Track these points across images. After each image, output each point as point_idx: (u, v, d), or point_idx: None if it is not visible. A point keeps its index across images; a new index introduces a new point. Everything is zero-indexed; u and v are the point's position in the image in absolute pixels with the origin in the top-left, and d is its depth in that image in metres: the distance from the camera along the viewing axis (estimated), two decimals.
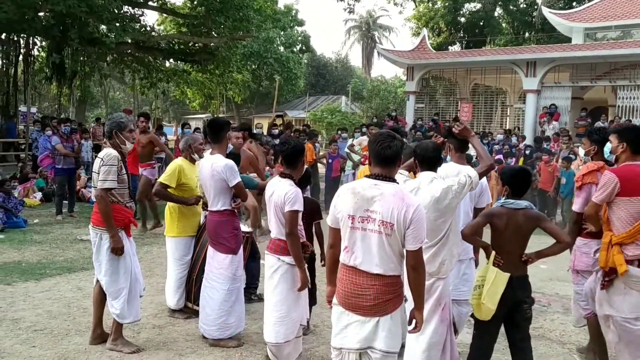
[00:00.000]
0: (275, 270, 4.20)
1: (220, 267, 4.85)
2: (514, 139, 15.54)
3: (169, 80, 22.57)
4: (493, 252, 3.87)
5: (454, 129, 4.34)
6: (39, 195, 12.36)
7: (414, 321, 3.26)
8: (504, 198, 4.00)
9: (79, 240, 8.64)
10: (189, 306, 5.51)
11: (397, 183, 3.21)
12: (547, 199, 12.50)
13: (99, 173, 4.52)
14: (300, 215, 4.15)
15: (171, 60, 22.61)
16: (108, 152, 4.60)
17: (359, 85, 38.95)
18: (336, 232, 3.24)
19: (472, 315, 4.04)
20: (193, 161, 5.60)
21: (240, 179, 4.87)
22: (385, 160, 3.15)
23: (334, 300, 3.28)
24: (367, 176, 3.22)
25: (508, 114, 22.48)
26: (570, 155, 12.18)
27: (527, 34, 32.29)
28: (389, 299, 3.09)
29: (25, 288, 6.17)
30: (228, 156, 5.07)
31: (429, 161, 3.99)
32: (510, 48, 23.18)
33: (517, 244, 3.86)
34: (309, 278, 4.26)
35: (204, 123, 18.60)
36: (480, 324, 3.95)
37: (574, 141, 14.51)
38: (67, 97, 22.50)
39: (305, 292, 4.37)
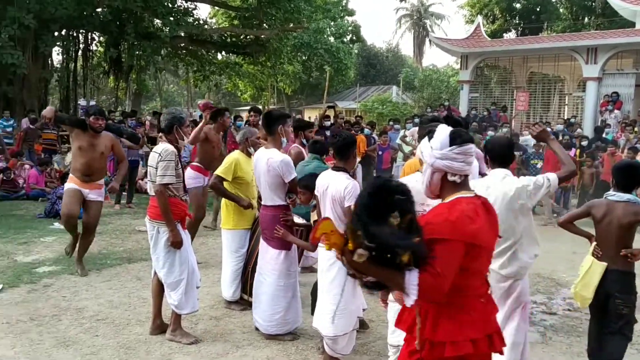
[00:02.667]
0: (332, 263, 4.15)
1: (275, 262, 4.84)
2: (578, 130, 14.95)
3: (221, 72, 22.89)
4: (594, 243, 3.91)
5: (531, 130, 4.14)
6: None
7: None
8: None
9: (137, 231, 8.86)
10: (245, 298, 5.54)
11: None
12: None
13: (156, 168, 4.58)
14: None
15: (223, 52, 22.89)
16: (165, 147, 4.64)
17: (410, 75, 38.37)
18: None
19: None
20: (249, 155, 5.60)
21: (296, 175, 4.85)
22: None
23: (390, 297, 3.25)
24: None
25: (566, 102, 21.74)
26: (638, 145, 11.67)
27: (586, 19, 31.09)
28: None
29: (87, 278, 6.36)
30: None
31: (503, 158, 3.81)
32: (570, 34, 22.34)
33: (614, 236, 3.82)
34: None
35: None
36: (589, 310, 4.06)
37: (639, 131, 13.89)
38: (123, 91, 23.13)
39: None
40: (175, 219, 4.64)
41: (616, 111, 16.38)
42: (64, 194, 6.49)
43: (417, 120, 14.39)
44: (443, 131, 2.44)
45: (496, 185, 3.73)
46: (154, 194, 4.67)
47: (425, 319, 2.31)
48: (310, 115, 25.44)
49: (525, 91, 19.86)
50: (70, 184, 6.38)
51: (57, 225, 8.75)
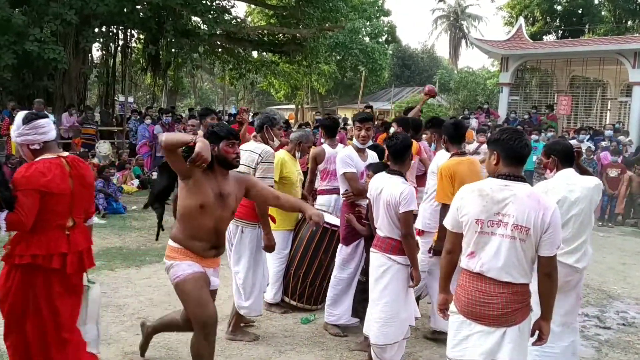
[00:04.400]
0: (385, 269, 4.02)
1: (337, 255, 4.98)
2: (623, 137, 14.45)
3: (257, 71, 22.82)
4: None
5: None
6: (136, 182, 12.77)
7: (536, 332, 3.03)
8: None
9: None
10: (286, 300, 5.44)
11: (527, 183, 2.97)
12: None
13: (255, 169, 4.56)
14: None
15: (259, 51, 22.87)
16: (266, 148, 4.66)
17: (446, 77, 37.89)
18: (456, 237, 3.07)
19: None
20: (294, 156, 5.50)
21: (350, 170, 4.80)
22: (519, 159, 2.96)
23: (452, 308, 3.10)
24: (493, 176, 2.99)
25: (609, 107, 21.11)
26: None
27: (629, 22, 30.19)
28: (517, 308, 2.89)
29: (127, 274, 6.32)
30: None
31: (569, 157, 4.01)
32: (616, 37, 21.65)
33: None
34: (421, 277, 4.08)
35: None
36: None
37: None
38: (160, 87, 23.28)
39: (412, 292, 4.19)
40: (257, 220, 4.62)
41: None
42: (187, 282, 3.49)
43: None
44: (19, 116, 3.30)
45: (580, 184, 3.92)
46: None
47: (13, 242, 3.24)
48: (344, 114, 25.28)
49: (567, 95, 19.33)
50: (188, 261, 3.52)
51: (96, 219, 8.76)
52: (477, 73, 36.82)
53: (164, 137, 3.30)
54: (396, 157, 4.11)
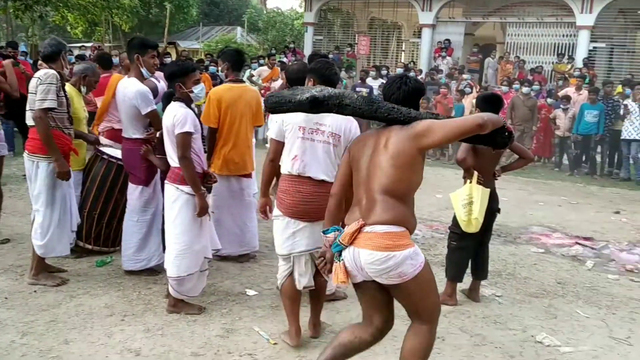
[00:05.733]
0: (174, 200, 3.99)
1: (130, 197, 4.73)
2: (412, 74, 15.74)
3: (46, 3, 20.53)
4: (475, 172, 4.30)
5: None
6: None
7: None
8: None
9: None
10: (80, 245, 5.12)
11: None
12: None
13: (35, 93, 4.16)
14: (191, 137, 3.95)
15: None
16: (46, 71, 4.27)
17: (255, 17, 37.63)
18: (279, 145, 3.56)
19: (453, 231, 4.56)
20: (80, 91, 5.10)
21: (155, 107, 4.57)
22: (330, 83, 3.47)
23: (276, 212, 3.58)
24: None
25: (403, 48, 22.74)
26: (466, 89, 12.58)
27: None
28: None
29: None
30: None
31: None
32: None
33: (494, 162, 4.51)
34: (208, 203, 4.10)
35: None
36: (465, 237, 4.45)
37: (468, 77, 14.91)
38: None
39: (210, 223, 4.22)
40: None
41: (448, 58, 17.46)
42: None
43: (262, 61, 14.37)
44: None
45: None
46: (32, 123, 4.24)
47: None
48: None
49: (366, 36, 20.40)
50: None
51: None
52: (285, 14, 37.17)
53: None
54: (170, 84, 4.14)
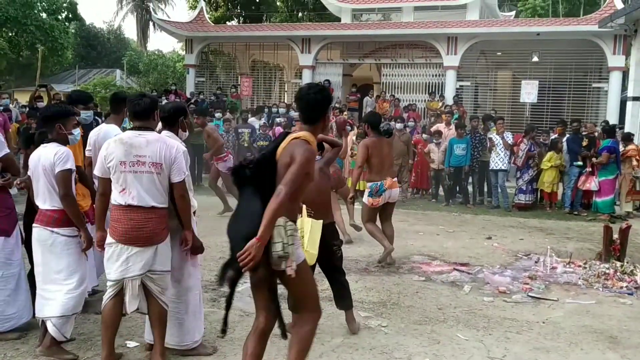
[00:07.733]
0: (51, 244, 3.95)
1: None
2: (292, 112, 16.04)
3: None
4: (304, 206, 4.16)
5: None
6: None
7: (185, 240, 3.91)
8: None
9: None
10: None
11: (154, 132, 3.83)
12: None
13: None
14: (74, 175, 4.00)
15: None
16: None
17: (135, 59, 36.85)
18: (107, 182, 3.71)
19: None
20: None
21: (8, 151, 4.34)
22: (139, 115, 3.76)
23: (109, 240, 3.70)
24: (130, 129, 3.82)
25: (286, 89, 23.22)
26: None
27: (300, 14, 33.56)
28: (163, 227, 3.74)
29: None
30: None
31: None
32: (286, 24, 23.88)
33: (325, 195, 4.56)
34: (92, 237, 4.07)
35: None
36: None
37: (349, 115, 15.44)
38: None
39: (86, 260, 4.20)
40: None
41: None
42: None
43: None
44: None
45: None
46: None
47: None
48: (22, 99, 22.43)
49: (248, 77, 20.63)
50: None
51: None
52: (167, 56, 36.78)
53: None
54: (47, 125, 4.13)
